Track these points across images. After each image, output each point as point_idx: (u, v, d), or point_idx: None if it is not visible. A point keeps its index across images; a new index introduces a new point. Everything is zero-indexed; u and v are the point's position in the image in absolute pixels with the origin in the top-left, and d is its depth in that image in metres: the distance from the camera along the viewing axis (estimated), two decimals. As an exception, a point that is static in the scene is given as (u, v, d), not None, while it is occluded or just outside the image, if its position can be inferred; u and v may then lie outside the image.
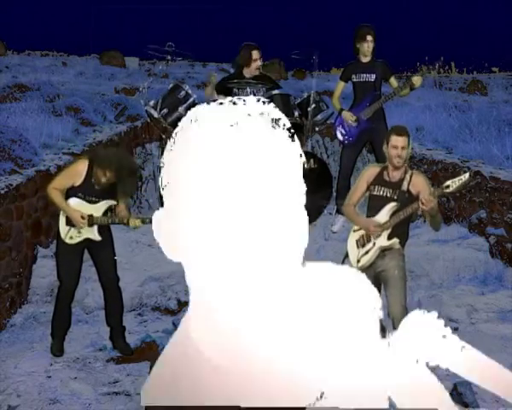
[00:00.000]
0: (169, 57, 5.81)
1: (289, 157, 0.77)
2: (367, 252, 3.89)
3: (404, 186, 3.84)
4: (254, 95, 5.28)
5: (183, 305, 5.37)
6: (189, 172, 0.75)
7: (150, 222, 0.80)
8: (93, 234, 4.38)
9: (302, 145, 4.51)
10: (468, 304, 5.26)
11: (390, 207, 3.84)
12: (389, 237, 3.84)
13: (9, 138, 6.15)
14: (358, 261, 3.92)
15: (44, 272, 5.62)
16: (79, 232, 4.35)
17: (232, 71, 6.06)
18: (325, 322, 0.83)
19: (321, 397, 0.78)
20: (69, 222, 4.33)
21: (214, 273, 0.73)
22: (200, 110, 0.78)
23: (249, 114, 0.76)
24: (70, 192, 4.32)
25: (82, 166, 4.31)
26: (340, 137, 6.12)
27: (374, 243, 3.86)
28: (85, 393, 3.98)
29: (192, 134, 0.76)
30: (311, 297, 0.76)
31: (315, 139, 10.11)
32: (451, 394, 3.69)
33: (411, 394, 0.85)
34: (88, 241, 4.40)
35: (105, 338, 4.66)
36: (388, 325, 0.83)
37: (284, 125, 0.77)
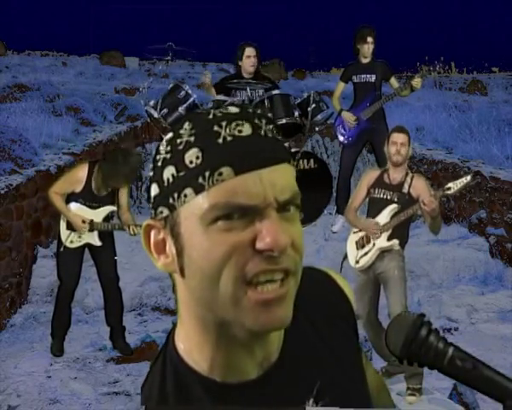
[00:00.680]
0: (169, 57, 5.81)
1: None
2: (366, 253, 3.88)
3: (405, 189, 3.83)
4: (254, 95, 5.28)
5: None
6: None
7: None
8: (93, 239, 4.39)
9: (302, 145, 4.50)
10: (468, 304, 5.26)
11: (391, 208, 3.83)
12: (389, 239, 3.84)
13: (9, 138, 6.15)
14: (357, 262, 3.91)
15: (44, 272, 5.62)
16: (80, 237, 4.36)
17: (232, 71, 6.05)
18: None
19: (317, 395, 0.78)
20: (70, 226, 4.34)
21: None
22: None
23: None
24: (71, 197, 4.32)
25: (82, 173, 4.30)
26: (340, 137, 6.12)
27: (373, 244, 3.85)
28: (85, 393, 3.99)
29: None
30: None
31: (315, 139, 10.11)
32: (451, 394, 3.69)
33: None
34: (89, 243, 4.42)
35: (105, 338, 4.67)
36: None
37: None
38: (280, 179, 0.70)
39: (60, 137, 7.64)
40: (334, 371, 0.82)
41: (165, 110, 4.90)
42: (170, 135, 0.73)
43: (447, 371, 0.70)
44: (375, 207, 3.93)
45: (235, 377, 0.75)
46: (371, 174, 4.03)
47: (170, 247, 0.73)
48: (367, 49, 5.89)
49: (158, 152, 0.74)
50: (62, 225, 4.37)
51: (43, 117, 8.17)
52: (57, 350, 4.48)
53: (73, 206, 4.32)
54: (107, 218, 4.44)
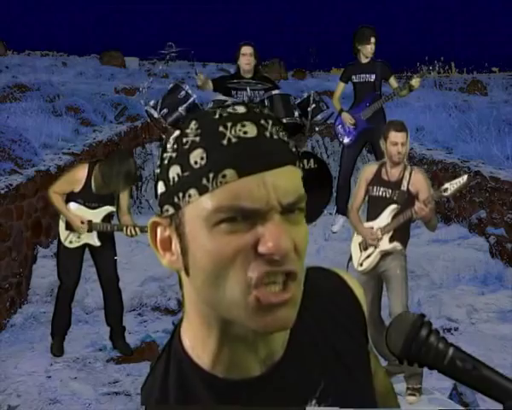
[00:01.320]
0: (169, 57, 5.81)
1: None
2: (369, 256, 3.87)
3: (404, 186, 3.79)
4: (254, 95, 5.28)
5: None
6: None
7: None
8: (92, 240, 4.38)
9: (302, 145, 4.48)
10: (468, 304, 5.26)
11: (391, 209, 3.81)
12: (391, 240, 3.82)
13: (9, 138, 6.15)
14: (361, 265, 3.90)
15: (44, 272, 5.62)
16: (79, 237, 4.36)
17: (233, 71, 6.05)
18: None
19: (320, 397, 0.78)
20: (69, 227, 4.34)
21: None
22: None
23: None
24: (70, 197, 4.32)
25: (81, 173, 4.30)
26: (340, 137, 6.12)
27: (375, 247, 3.84)
28: (85, 393, 3.99)
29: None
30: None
31: (315, 139, 10.12)
32: (451, 394, 3.69)
33: None
34: (88, 243, 4.41)
35: (105, 338, 4.67)
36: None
37: None
38: (284, 182, 0.70)
39: (60, 137, 7.64)
40: (338, 372, 0.82)
41: (165, 110, 4.90)
42: (177, 133, 0.73)
43: (447, 372, 0.70)
44: (374, 207, 3.90)
45: (237, 374, 0.75)
46: (369, 170, 3.98)
47: (175, 245, 0.73)
48: (370, 49, 5.88)
49: (165, 150, 0.73)
50: (61, 225, 4.37)
51: (43, 117, 8.18)
52: (57, 350, 4.48)
53: (72, 206, 4.31)
54: (107, 218, 4.44)
